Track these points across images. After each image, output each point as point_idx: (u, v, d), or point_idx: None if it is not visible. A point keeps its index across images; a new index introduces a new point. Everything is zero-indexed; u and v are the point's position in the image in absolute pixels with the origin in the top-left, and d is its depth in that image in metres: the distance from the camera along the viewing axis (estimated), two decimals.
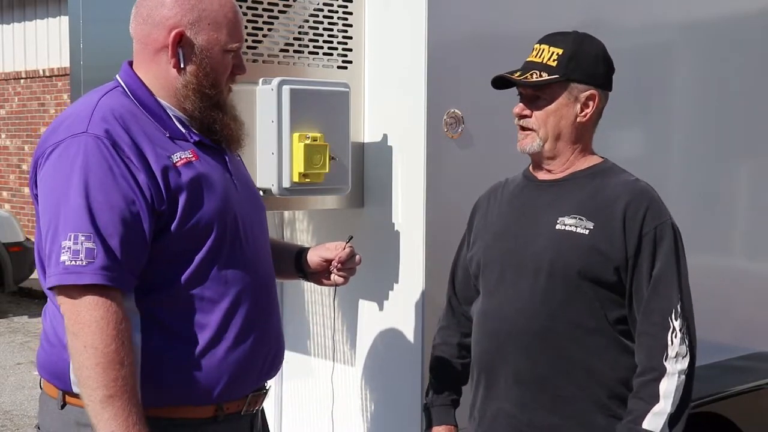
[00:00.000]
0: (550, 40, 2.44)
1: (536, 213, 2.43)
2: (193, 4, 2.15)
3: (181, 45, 2.14)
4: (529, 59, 2.44)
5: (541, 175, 2.48)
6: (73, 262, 1.94)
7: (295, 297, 3.33)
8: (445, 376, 2.65)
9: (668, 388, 2.25)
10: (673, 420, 2.25)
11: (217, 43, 2.17)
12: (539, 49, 2.43)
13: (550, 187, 2.45)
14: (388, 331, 3.05)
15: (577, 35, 2.44)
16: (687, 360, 2.27)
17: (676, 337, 2.27)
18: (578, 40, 2.43)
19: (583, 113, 2.41)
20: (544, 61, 2.39)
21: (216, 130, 2.20)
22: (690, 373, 2.28)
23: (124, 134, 2.04)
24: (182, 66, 2.15)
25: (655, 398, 2.25)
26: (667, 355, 2.26)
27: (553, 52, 2.39)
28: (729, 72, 3.92)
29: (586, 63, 2.40)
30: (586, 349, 2.33)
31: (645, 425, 2.24)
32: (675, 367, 2.26)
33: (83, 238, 1.95)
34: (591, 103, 2.41)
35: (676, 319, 2.28)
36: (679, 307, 2.29)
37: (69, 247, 1.94)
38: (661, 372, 2.26)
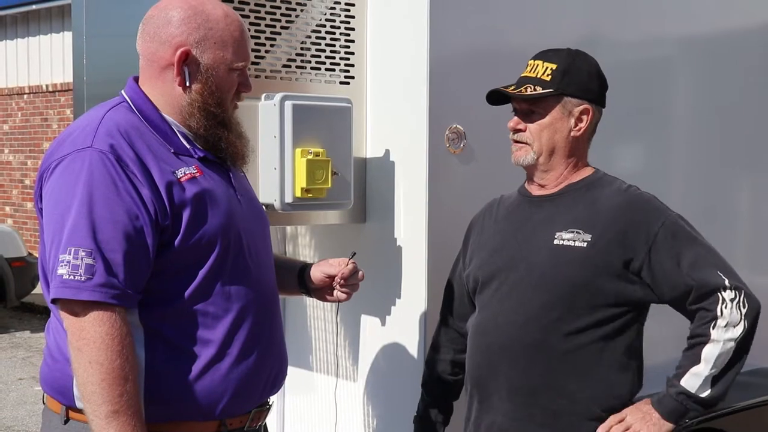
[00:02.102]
0: (544, 56, 2.46)
1: (533, 228, 2.43)
2: (200, 23, 2.15)
3: (186, 63, 2.15)
4: (523, 74, 2.46)
5: (536, 191, 2.49)
6: (72, 277, 1.95)
7: (298, 312, 3.33)
8: (437, 393, 2.67)
9: (711, 352, 2.27)
10: (715, 380, 2.28)
11: (222, 62, 2.17)
12: (533, 65, 2.45)
13: (545, 202, 2.46)
14: (391, 347, 3.05)
15: (570, 51, 2.47)
16: (740, 328, 2.27)
17: (726, 307, 2.27)
18: (572, 55, 2.45)
19: (577, 128, 2.43)
20: (539, 76, 2.42)
21: (221, 147, 2.20)
22: (743, 339, 2.28)
23: (129, 149, 2.05)
24: (187, 84, 2.16)
25: (696, 360, 2.28)
26: (715, 323, 2.27)
27: (547, 67, 2.41)
28: (728, 86, 3.93)
29: (580, 78, 2.42)
30: (579, 363, 2.34)
31: (682, 383, 2.27)
32: (722, 335, 2.27)
33: (84, 254, 1.95)
34: (585, 118, 2.43)
35: (724, 291, 2.28)
36: (727, 282, 2.29)
37: (68, 261, 1.95)
38: (707, 338, 2.27)
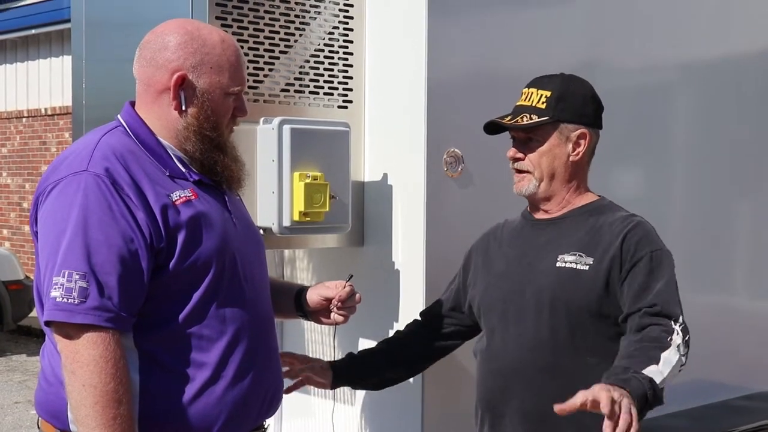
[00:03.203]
0: (537, 83, 2.48)
1: (536, 252, 2.45)
2: (196, 48, 2.17)
3: (182, 88, 2.16)
4: (518, 103, 2.48)
5: (539, 215, 2.51)
6: (65, 300, 1.95)
7: (295, 336, 3.32)
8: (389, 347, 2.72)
9: (670, 358, 2.14)
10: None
11: (218, 86, 2.19)
12: (528, 93, 2.47)
13: (548, 226, 2.47)
14: None
15: (564, 77, 2.49)
16: (680, 363, 2.19)
17: (677, 335, 2.21)
18: (566, 81, 2.47)
19: (575, 152, 2.45)
20: (534, 104, 2.44)
21: (217, 171, 2.21)
22: (682, 364, 2.19)
23: (124, 173, 2.05)
24: (183, 108, 2.17)
25: (655, 359, 2.13)
26: (672, 338, 2.19)
27: (541, 95, 2.44)
28: (728, 111, 3.94)
29: (575, 103, 2.44)
30: (590, 384, 2.33)
31: (646, 372, 2.09)
32: (678, 350, 2.18)
33: (77, 277, 1.95)
34: (582, 142, 2.45)
35: (677, 324, 2.23)
36: (681, 318, 2.26)
37: (62, 284, 1.95)
38: (669, 344, 2.17)
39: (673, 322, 2.26)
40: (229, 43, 2.22)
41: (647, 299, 2.29)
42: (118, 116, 2.23)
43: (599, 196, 2.53)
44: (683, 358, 2.21)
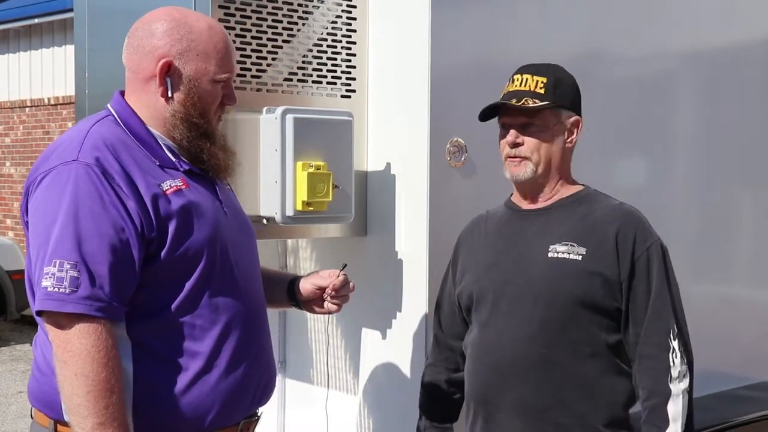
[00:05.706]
0: (529, 69, 2.46)
1: (526, 242, 2.43)
2: (183, 35, 2.17)
3: (168, 74, 2.16)
4: (513, 89, 2.44)
5: (526, 205, 2.50)
6: (56, 289, 1.95)
7: (299, 326, 3.32)
8: (436, 415, 2.64)
9: (676, 410, 2.29)
10: None
11: (205, 74, 2.19)
12: (522, 79, 2.44)
13: (536, 216, 2.46)
14: (391, 360, 3.04)
15: (552, 65, 2.49)
16: (688, 378, 2.32)
17: (676, 357, 2.31)
18: (556, 69, 2.48)
19: (570, 140, 2.47)
20: (532, 89, 2.41)
21: (203, 159, 2.21)
22: (691, 390, 2.33)
23: (115, 162, 2.05)
24: (170, 95, 2.17)
25: (665, 422, 2.29)
26: (670, 376, 2.30)
27: (537, 81, 2.42)
28: (731, 100, 3.93)
29: (568, 90, 2.46)
30: (585, 375, 2.35)
31: None
32: (678, 387, 2.30)
33: (68, 266, 1.95)
34: (575, 130, 2.47)
35: (674, 339, 2.32)
36: (675, 326, 2.33)
37: (53, 274, 1.95)
38: (667, 395, 2.30)
39: (670, 339, 2.31)
40: (216, 30, 2.22)
41: (644, 318, 2.32)
42: (108, 105, 2.23)
43: (584, 185, 2.52)
44: (686, 380, 2.31)
